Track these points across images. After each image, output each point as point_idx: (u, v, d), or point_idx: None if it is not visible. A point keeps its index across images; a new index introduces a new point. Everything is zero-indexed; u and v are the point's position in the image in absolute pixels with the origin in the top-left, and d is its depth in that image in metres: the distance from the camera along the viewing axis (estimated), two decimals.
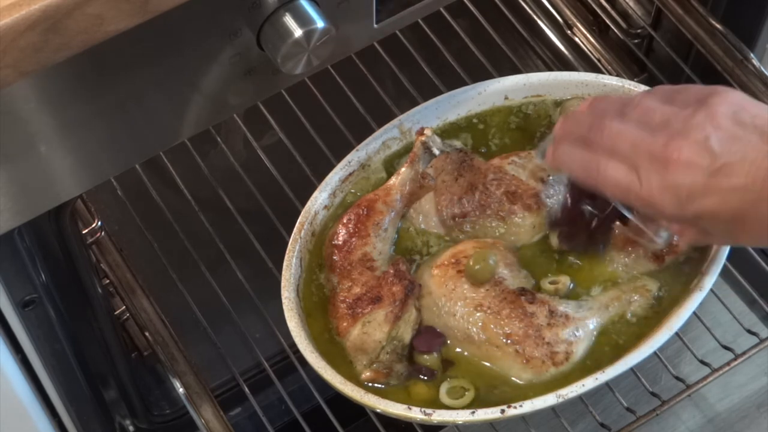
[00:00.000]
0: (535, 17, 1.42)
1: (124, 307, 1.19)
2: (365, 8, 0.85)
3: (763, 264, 1.21)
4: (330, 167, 1.10)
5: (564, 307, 1.00)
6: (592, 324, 1.00)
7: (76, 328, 1.04)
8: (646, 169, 0.85)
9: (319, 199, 1.08)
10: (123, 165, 0.85)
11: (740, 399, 1.33)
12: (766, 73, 1.17)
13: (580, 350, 0.99)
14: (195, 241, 1.20)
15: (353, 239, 1.04)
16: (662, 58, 1.35)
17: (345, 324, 1.01)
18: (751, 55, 1.18)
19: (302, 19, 0.78)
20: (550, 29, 1.44)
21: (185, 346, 1.15)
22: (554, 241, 1.04)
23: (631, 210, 0.99)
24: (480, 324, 0.99)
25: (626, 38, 1.39)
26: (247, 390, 1.13)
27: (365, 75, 1.26)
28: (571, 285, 1.03)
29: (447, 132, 1.12)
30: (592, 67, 1.40)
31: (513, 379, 0.99)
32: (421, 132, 1.09)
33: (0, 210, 0.78)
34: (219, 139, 1.27)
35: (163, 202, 1.23)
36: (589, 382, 0.96)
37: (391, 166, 1.11)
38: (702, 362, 1.12)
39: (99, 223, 1.18)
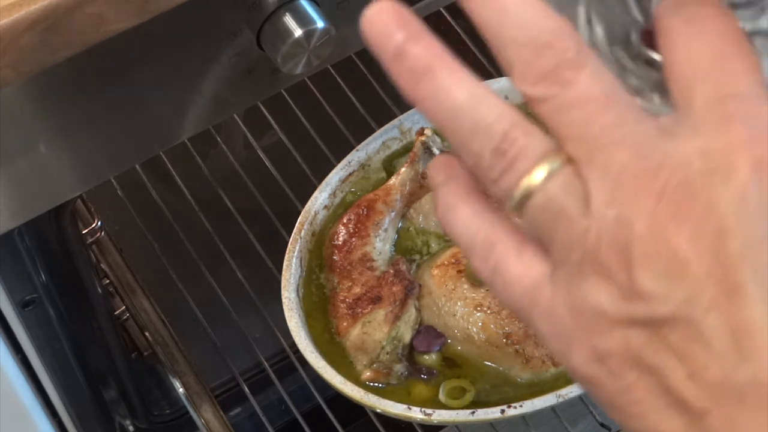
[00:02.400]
0: None
1: (124, 307, 1.19)
2: (365, 8, 0.85)
3: None
4: (330, 167, 1.10)
5: None
6: None
7: (76, 328, 1.04)
8: None
9: (319, 199, 1.08)
10: (123, 165, 0.85)
11: None
12: None
13: None
14: (195, 241, 1.20)
15: (353, 239, 1.05)
16: None
17: (345, 324, 1.01)
18: None
19: (302, 19, 0.78)
20: None
21: (185, 346, 1.15)
22: None
23: None
24: (480, 324, 0.99)
25: None
26: (247, 390, 1.13)
27: (365, 75, 1.26)
28: None
29: None
30: None
31: (513, 379, 0.99)
32: (421, 132, 1.09)
33: (0, 210, 0.78)
34: (219, 139, 1.27)
35: (163, 202, 1.23)
36: None
37: (391, 166, 1.11)
38: None
39: (99, 223, 1.18)
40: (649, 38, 0.46)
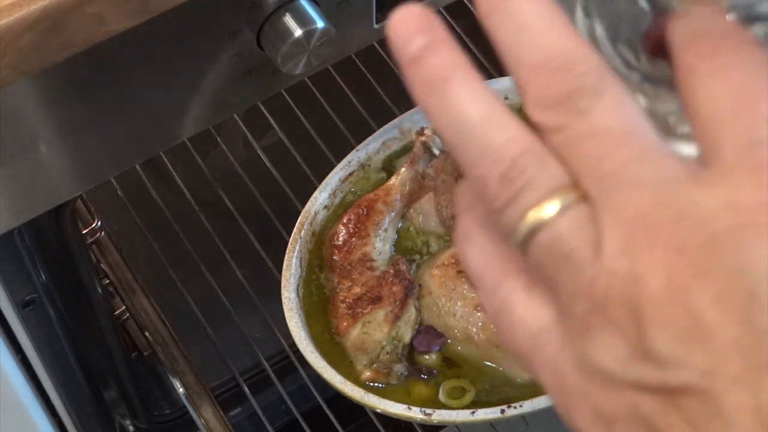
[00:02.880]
0: None
1: (124, 307, 1.19)
2: (365, 8, 0.85)
3: None
4: (330, 167, 1.10)
5: None
6: None
7: (76, 328, 1.04)
8: None
9: (319, 199, 1.08)
10: (123, 165, 0.85)
11: None
12: None
13: None
14: (195, 241, 1.20)
15: (353, 239, 1.04)
16: None
17: (345, 324, 1.01)
18: None
19: (302, 19, 0.78)
20: None
21: (185, 346, 1.15)
22: None
23: None
24: (480, 324, 0.99)
25: None
26: (247, 390, 1.13)
27: (365, 75, 1.26)
28: None
29: None
30: None
31: (513, 379, 0.99)
32: (421, 132, 1.09)
33: (0, 210, 0.78)
34: (219, 139, 1.27)
35: (163, 202, 1.23)
36: None
37: (391, 166, 1.11)
38: None
39: (99, 223, 1.18)
40: (655, 44, 0.42)
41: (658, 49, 0.41)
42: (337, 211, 1.08)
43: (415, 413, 0.96)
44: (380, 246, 1.05)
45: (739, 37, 0.38)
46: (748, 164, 0.35)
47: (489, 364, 1.00)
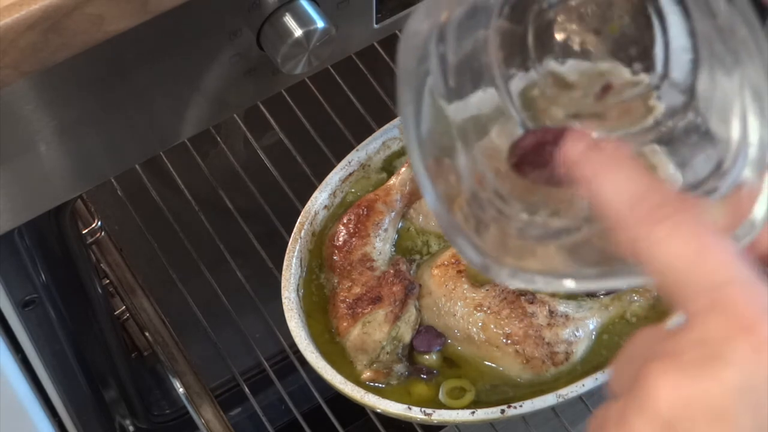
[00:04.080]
0: None
1: (124, 307, 1.20)
2: (365, 8, 0.85)
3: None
4: (330, 167, 1.10)
5: (564, 307, 1.00)
6: (592, 324, 1.00)
7: (76, 328, 1.04)
8: None
9: (319, 199, 1.08)
10: (123, 165, 0.85)
11: None
12: None
13: (580, 350, 0.99)
14: (195, 241, 1.20)
15: (353, 239, 1.04)
16: None
17: (345, 324, 1.01)
18: None
19: (302, 19, 0.78)
20: None
21: (185, 346, 1.15)
22: None
23: None
24: (480, 324, 0.99)
25: None
26: (247, 390, 1.13)
27: (365, 75, 1.26)
28: None
29: None
30: None
31: (513, 379, 0.99)
32: None
33: (0, 210, 0.78)
34: (219, 139, 1.27)
35: (163, 202, 1.23)
36: (589, 382, 0.96)
37: (391, 166, 1.11)
38: None
39: (99, 223, 1.18)
40: (520, 157, 0.53)
41: (521, 161, 0.53)
42: (337, 211, 1.08)
43: (415, 413, 0.96)
44: (380, 246, 1.05)
45: (680, 201, 0.49)
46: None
47: (489, 364, 1.00)
